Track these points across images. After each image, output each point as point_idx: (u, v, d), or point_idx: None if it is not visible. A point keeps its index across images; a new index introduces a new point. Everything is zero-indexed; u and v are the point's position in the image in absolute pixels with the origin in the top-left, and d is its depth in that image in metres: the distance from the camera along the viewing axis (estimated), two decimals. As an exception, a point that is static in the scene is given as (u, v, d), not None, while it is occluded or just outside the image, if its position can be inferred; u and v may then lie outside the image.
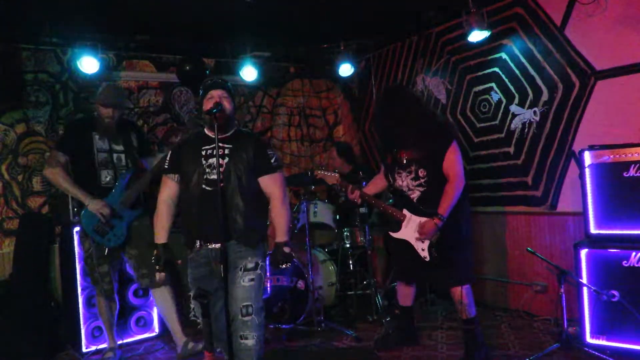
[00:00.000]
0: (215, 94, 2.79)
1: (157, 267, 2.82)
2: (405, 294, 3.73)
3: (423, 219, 3.34)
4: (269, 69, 5.70)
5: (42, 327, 4.04)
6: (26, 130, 4.56)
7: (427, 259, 3.36)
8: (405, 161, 3.45)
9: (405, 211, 3.45)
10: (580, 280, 3.30)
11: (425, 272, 3.50)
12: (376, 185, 3.79)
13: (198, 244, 2.78)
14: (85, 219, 3.54)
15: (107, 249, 3.60)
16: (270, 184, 2.84)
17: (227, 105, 2.79)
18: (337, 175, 3.69)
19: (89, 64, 4.46)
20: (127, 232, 3.66)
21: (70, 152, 3.63)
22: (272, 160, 2.84)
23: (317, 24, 4.83)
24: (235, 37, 5.02)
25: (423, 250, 3.37)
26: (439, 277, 3.52)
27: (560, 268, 3.37)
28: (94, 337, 4.03)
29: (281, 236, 2.84)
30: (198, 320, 2.80)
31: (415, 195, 3.42)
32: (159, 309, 3.81)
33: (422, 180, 3.39)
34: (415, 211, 3.40)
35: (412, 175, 3.42)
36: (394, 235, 3.52)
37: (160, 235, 2.88)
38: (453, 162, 3.32)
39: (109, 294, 3.73)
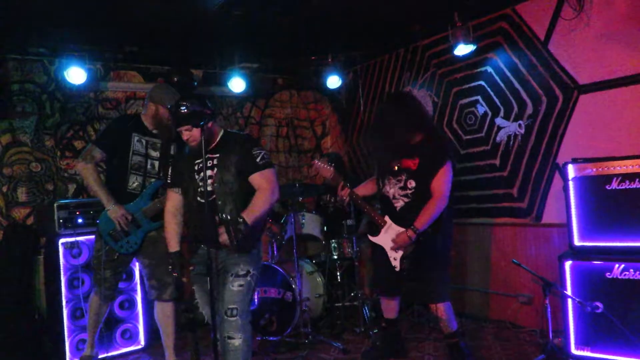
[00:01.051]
0: (181, 129, 2.84)
1: (174, 274, 2.93)
2: (388, 307, 3.73)
3: (401, 229, 3.39)
4: (257, 80, 5.71)
5: (26, 339, 3.99)
6: (12, 141, 4.53)
7: (397, 268, 3.40)
8: (396, 169, 3.47)
9: (387, 218, 3.49)
10: (565, 292, 3.34)
11: (400, 283, 3.54)
12: (367, 188, 3.78)
13: (200, 246, 2.95)
14: (102, 222, 3.49)
15: (117, 254, 3.54)
16: (259, 180, 2.87)
17: (195, 135, 2.81)
18: (332, 169, 3.64)
19: (76, 75, 4.44)
20: (141, 242, 3.57)
21: (107, 150, 3.54)
22: (259, 160, 2.89)
23: (305, 36, 4.86)
24: (224, 48, 5.04)
25: (395, 259, 3.42)
26: (413, 291, 3.59)
27: (545, 280, 3.40)
28: (78, 349, 3.97)
29: (247, 214, 2.73)
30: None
31: (399, 204, 3.47)
32: (158, 323, 3.72)
33: (409, 192, 3.42)
34: (397, 220, 3.44)
35: (401, 185, 3.46)
36: (372, 238, 3.57)
37: (172, 244, 3.00)
38: (442, 180, 3.36)
39: (109, 299, 3.66)
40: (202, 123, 2.71)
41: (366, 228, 4.33)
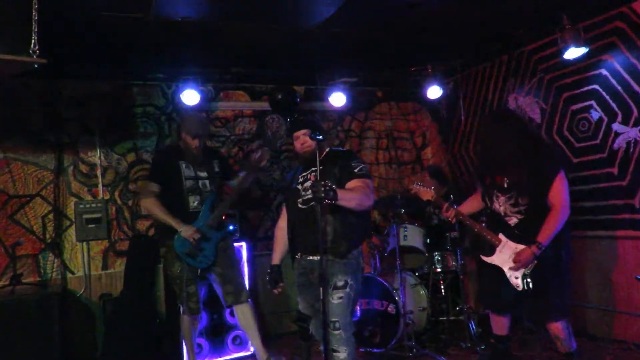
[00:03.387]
0: (299, 133, 3.08)
1: (269, 285, 3.18)
2: (499, 324, 3.57)
3: (519, 246, 3.22)
4: (356, 94, 5.80)
5: (147, 342, 4.32)
6: (135, 159, 4.97)
7: (520, 288, 3.22)
8: (506, 185, 3.33)
9: (501, 236, 3.34)
10: (700, 312, 3.03)
11: (518, 301, 3.34)
12: (471, 205, 3.69)
13: (299, 255, 3.11)
14: (178, 244, 3.74)
15: (199, 270, 3.80)
16: (355, 183, 2.94)
17: (309, 142, 3.04)
18: (432, 191, 3.63)
19: (190, 96, 4.81)
20: (215, 252, 3.83)
21: (162, 181, 3.84)
22: (357, 170, 2.99)
23: (404, 48, 4.86)
24: (323, 65, 5.18)
25: (516, 278, 3.23)
26: (533, 309, 3.35)
27: (676, 298, 3.12)
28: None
29: (339, 190, 2.70)
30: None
31: (512, 221, 3.31)
32: (242, 326, 3.96)
33: (522, 208, 3.27)
34: (512, 237, 3.29)
35: (512, 202, 3.30)
36: (486, 259, 3.41)
37: (275, 257, 3.29)
38: (560, 191, 3.19)
39: (196, 312, 3.90)
40: (319, 137, 2.89)
41: (474, 246, 4.12)
